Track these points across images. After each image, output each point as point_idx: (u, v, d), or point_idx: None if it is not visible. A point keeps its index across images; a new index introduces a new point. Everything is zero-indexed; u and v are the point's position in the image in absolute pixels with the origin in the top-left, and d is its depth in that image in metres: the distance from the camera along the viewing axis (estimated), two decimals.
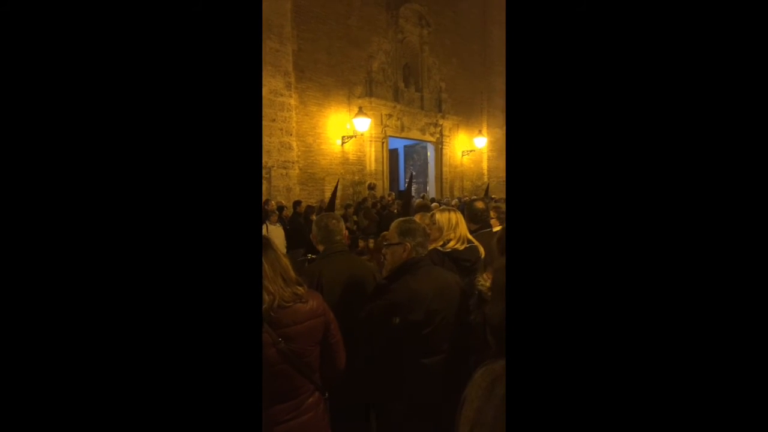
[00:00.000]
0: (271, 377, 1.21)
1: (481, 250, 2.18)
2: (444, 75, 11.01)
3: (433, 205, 7.17)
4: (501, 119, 12.15)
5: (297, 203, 6.46)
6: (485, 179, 12.42)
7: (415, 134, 10.37)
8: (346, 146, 8.77)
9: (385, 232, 2.52)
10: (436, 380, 1.47)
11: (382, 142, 9.46)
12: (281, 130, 7.42)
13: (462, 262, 2.07)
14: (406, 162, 12.02)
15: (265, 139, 7.18)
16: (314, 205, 7.21)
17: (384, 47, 9.40)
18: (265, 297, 1.21)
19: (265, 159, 7.20)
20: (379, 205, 7.55)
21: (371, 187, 8.89)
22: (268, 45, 7.12)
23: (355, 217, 7.04)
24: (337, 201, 8.47)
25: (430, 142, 10.94)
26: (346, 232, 1.94)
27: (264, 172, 7.20)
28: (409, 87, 10.07)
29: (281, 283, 1.25)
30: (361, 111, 8.46)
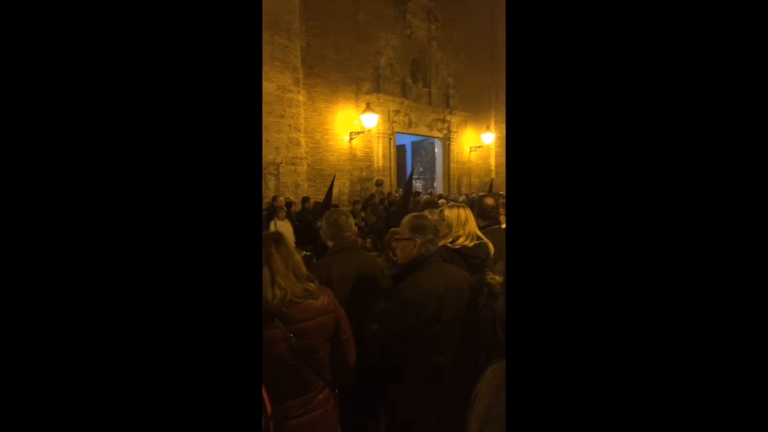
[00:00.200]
0: (282, 372, 1.22)
1: (491, 246, 2.16)
2: (452, 70, 10.94)
3: (441, 201, 7.16)
4: None
5: (305, 199, 6.48)
6: (493, 175, 12.35)
7: (423, 130, 10.33)
8: (354, 142, 8.77)
9: (394, 228, 2.52)
10: (446, 377, 1.47)
11: (390, 138, 9.44)
12: (290, 126, 7.44)
13: (471, 259, 2.06)
14: (413, 158, 11.98)
15: (274, 136, 7.20)
16: (322, 201, 7.23)
17: (391, 43, 9.36)
18: (277, 292, 1.21)
19: (273, 155, 7.22)
20: (386, 201, 7.54)
21: (379, 184, 8.88)
22: (277, 41, 7.12)
23: (362, 214, 7.04)
24: (345, 197, 8.51)
25: (437, 138, 10.89)
26: (355, 228, 1.94)
27: (272, 168, 7.23)
28: (416, 82, 10.01)
29: (293, 279, 1.25)
30: (368, 107, 8.44)
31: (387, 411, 1.71)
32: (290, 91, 7.39)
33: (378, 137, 9.20)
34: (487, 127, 11.95)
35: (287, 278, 1.24)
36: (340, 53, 8.43)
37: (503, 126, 12.31)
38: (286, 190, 7.31)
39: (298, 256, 1.31)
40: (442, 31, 10.46)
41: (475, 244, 2.11)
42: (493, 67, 12.29)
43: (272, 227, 5.44)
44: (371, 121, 8.51)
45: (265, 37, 6.95)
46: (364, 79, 8.88)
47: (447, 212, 2.22)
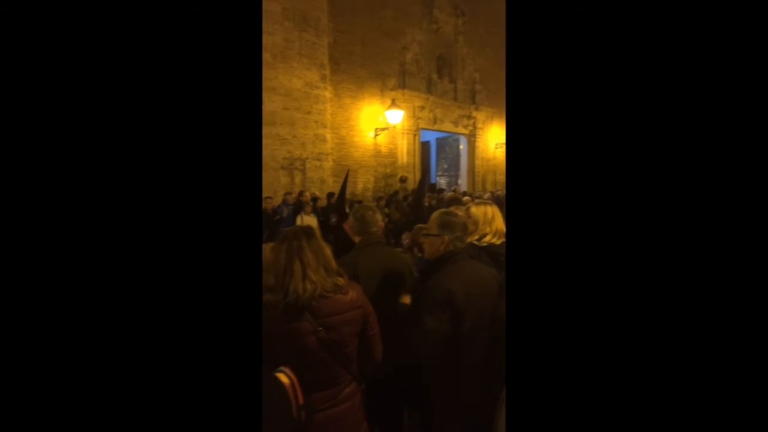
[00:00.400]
0: (311, 365, 1.23)
1: None
2: (478, 65, 10.76)
3: (465, 198, 7.10)
4: None
5: (330, 195, 6.54)
6: None
7: (448, 126, 10.22)
8: (379, 138, 8.77)
9: (420, 224, 2.51)
10: (475, 376, 1.45)
11: (414, 135, 9.39)
12: (316, 122, 7.51)
13: (499, 257, 2.03)
14: (438, 155, 11.89)
15: (300, 131, 7.29)
16: (347, 196, 7.28)
17: (418, 38, 9.29)
18: (308, 286, 1.22)
19: (300, 151, 7.32)
20: (410, 198, 7.52)
21: (403, 180, 8.87)
22: (305, 38, 7.19)
23: (386, 210, 7.05)
24: (369, 194, 8.54)
25: (462, 134, 10.76)
26: (382, 224, 1.94)
27: (299, 163, 7.33)
28: (442, 78, 9.91)
29: (323, 273, 1.26)
30: (394, 103, 8.42)
31: (414, 409, 1.71)
32: (317, 88, 7.46)
33: (403, 133, 9.17)
34: None
35: (318, 272, 1.25)
36: (367, 49, 8.43)
37: None
38: (312, 185, 7.40)
39: (328, 251, 1.32)
40: (468, 26, 10.30)
41: (502, 242, 2.08)
42: None
43: (299, 222, 5.52)
44: (396, 117, 8.49)
45: (293, 34, 7.04)
46: (389, 75, 8.85)
47: (474, 209, 2.20)
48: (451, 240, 1.60)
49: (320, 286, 1.24)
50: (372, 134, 8.66)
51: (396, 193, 7.88)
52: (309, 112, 7.39)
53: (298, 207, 6.02)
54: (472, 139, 10.87)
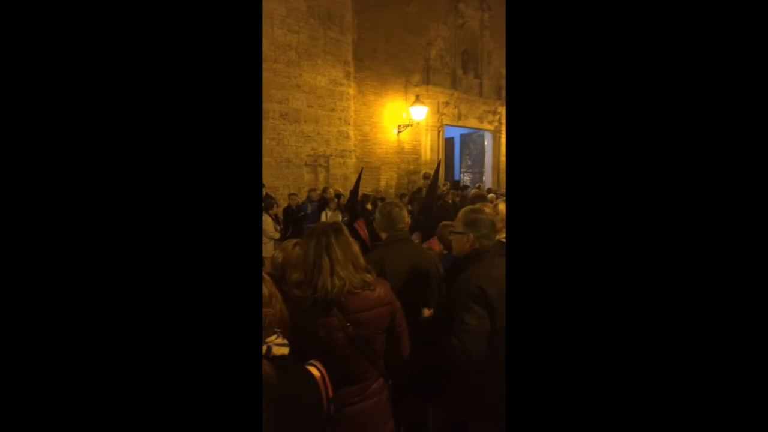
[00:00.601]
0: (339, 361, 1.24)
1: None
2: (504, 60, 10.55)
3: (490, 196, 6.99)
4: None
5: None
6: None
7: (473, 122, 10.08)
8: (402, 135, 8.74)
9: (446, 221, 2.49)
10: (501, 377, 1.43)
11: (438, 131, 9.31)
12: (340, 119, 7.55)
13: None
14: (462, 151, 11.75)
15: (324, 128, 7.35)
16: (370, 193, 7.30)
17: (443, 33, 9.18)
18: (336, 282, 1.23)
19: (323, 148, 7.38)
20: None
21: (426, 177, 8.81)
22: (329, 35, 7.23)
23: (409, 207, 7.03)
24: (392, 190, 8.53)
25: (487, 130, 10.59)
26: (408, 221, 1.93)
27: (322, 160, 7.40)
28: (467, 74, 9.77)
29: (351, 269, 1.27)
30: (418, 99, 8.36)
31: (439, 407, 1.70)
32: (341, 85, 7.50)
33: (426, 130, 9.11)
34: None
35: (346, 268, 1.25)
36: (391, 45, 8.40)
37: None
38: (335, 182, 7.46)
39: (356, 247, 1.33)
40: (495, 21, 10.11)
41: None
42: None
43: (323, 218, 5.57)
44: (420, 113, 8.43)
45: (318, 31, 7.09)
46: (413, 71, 8.80)
47: (502, 206, 2.16)
48: (476, 238, 1.58)
49: (348, 282, 1.24)
50: (395, 131, 8.63)
51: (419, 189, 7.84)
52: (333, 110, 7.44)
53: (322, 204, 6.08)
54: (497, 135, 10.68)
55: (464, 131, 11.06)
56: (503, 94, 10.41)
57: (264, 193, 5.82)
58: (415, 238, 2.77)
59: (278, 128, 6.78)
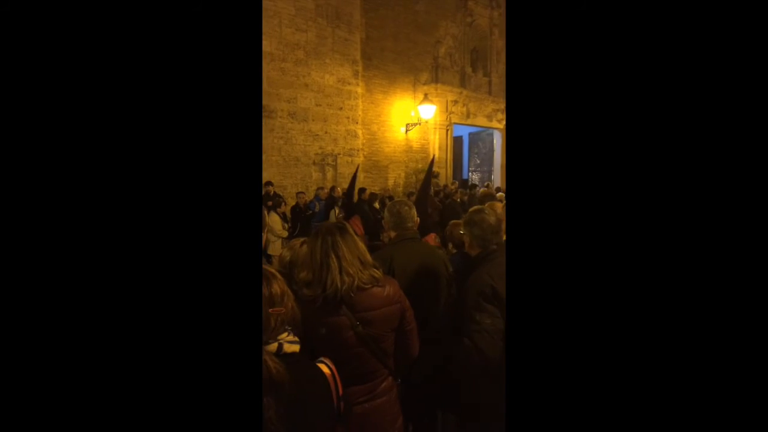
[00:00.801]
0: (349, 359, 1.24)
1: None
2: None
3: (499, 194, 6.95)
4: None
5: (362, 190, 6.57)
6: None
7: (481, 121, 10.03)
8: (410, 134, 8.73)
9: (455, 220, 2.48)
10: None
11: (447, 130, 9.28)
12: (348, 118, 7.56)
13: None
14: (470, 150, 11.70)
15: (332, 127, 7.37)
16: (378, 192, 7.30)
17: (451, 31, 9.14)
18: (345, 279, 1.23)
19: (331, 147, 7.40)
20: (442, 193, 7.45)
21: (434, 176, 8.79)
22: (338, 34, 7.24)
23: (430, 210, 7.01)
24: (400, 189, 8.53)
25: (496, 129, 10.53)
26: (417, 219, 1.92)
27: (330, 159, 7.41)
28: (476, 72, 9.72)
29: (359, 266, 1.27)
30: (426, 98, 8.34)
31: (448, 411, 1.69)
32: (349, 84, 7.50)
33: (435, 128, 9.08)
34: None
35: (353, 265, 1.25)
36: (399, 44, 8.39)
37: None
38: (343, 180, 7.47)
39: (362, 244, 1.33)
40: (504, 18, 10.04)
41: None
42: None
43: (332, 216, 5.58)
44: (428, 112, 8.41)
45: (326, 30, 7.09)
46: (422, 70, 8.77)
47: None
48: (475, 237, 1.59)
49: (357, 278, 1.24)
50: (403, 129, 8.62)
51: None
52: (341, 108, 7.44)
53: (330, 202, 6.09)
54: (506, 133, 10.62)
55: (473, 130, 11.01)
56: None
57: (272, 192, 5.85)
58: (432, 239, 2.75)
59: (286, 127, 6.81)
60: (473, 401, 1.51)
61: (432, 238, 2.68)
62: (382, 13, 8.10)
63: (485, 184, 9.71)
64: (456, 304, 1.56)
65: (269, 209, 5.23)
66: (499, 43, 10.08)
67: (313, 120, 7.11)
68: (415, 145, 8.93)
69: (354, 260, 1.27)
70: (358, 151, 7.83)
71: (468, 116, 9.63)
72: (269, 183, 6.03)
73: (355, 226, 3.51)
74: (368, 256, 1.33)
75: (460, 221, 1.93)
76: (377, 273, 1.31)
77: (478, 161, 11.46)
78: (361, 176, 7.91)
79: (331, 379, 0.99)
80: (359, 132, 7.82)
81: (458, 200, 7.03)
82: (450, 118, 9.23)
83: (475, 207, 1.75)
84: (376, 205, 6.43)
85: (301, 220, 5.69)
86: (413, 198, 6.81)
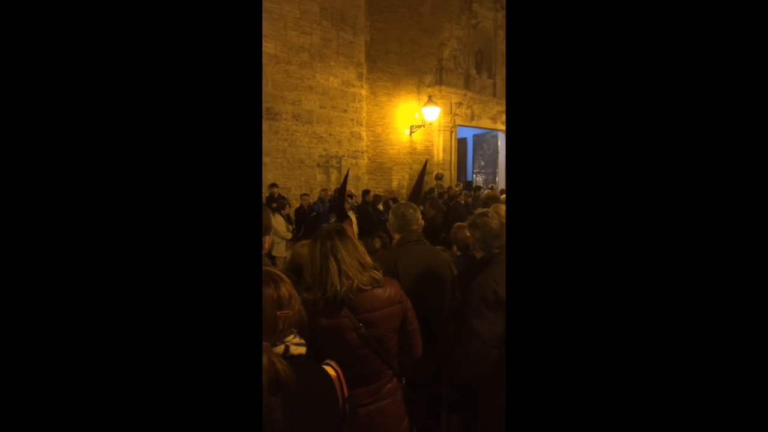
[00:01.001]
0: (353, 360, 1.25)
1: None
2: None
3: (503, 197, 6.93)
4: None
5: (366, 192, 6.59)
6: None
7: (486, 123, 10.03)
8: (414, 136, 8.74)
9: (459, 222, 2.48)
10: None
11: (451, 132, 9.28)
12: (352, 120, 7.59)
13: None
14: (474, 151, 11.69)
15: (336, 129, 7.39)
16: (382, 194, 7.31)
17: (456, 33, 9.15)
18: (345, 281, 1.24)
19: (336, 149, 7.42)
20: (446, 195, 7.44)
21: (438, 177, 8.79)
22: (342, 36, 7.27)
23: (421, 207, 7.01)
24: (404, 191, 8.53)
25: (501, 131, 10.52)
26: (422, 222, 1.93)
27: (335, 161, 7.43)
28: (481, 74, 9.73)
29: (359, 268, 1.27)
30: (430, 100, 8.35)
31: (453, 412, 1.69)
32: (354, 86, 7.53)
33: (439, 130, 9.09)
34: None
35: (353, 267, 1.26)
36: (403, 46, 8.41)
37: None
38: (348, 182, 7.49)
39: (361, 247, 1.34)
40: None
41: None
42: None
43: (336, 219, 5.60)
44: (433, 114, 8.42)
45: (331, 33, 7.13)
46: (426, 72, 8.79)
47: None
48: (477, 240, 1.60)
49: (357, 280, 1.25)
50: (407, 131, 8.63)
51: (431, 190, 7.82)
52: (345, 111, 7.47)
53: (334, 204, 6.11)
54: None
55: (477, 131, 11.00)
56: None
57: (277, 194, 5.87)
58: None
59: (291, 129, 6.84)
60: (474, 403, 1.51)
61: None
62: (387, 16, 8.12)
63: (489, 186, 9.70)
64: (459, 307, 1.56)
65: (274, 211, 5.26)
66: (503, 45, 10.07)
67: (317, 122, 7.14)
68: (419, 147, 8.93)
69: (353, 263, 1.28)
70: (362, 153, 7.85)
71: (472, 118, 9.63)
72: (274, 185, 6.05)
73: (348, 229, 3.50)
74: (368, 258, 1.33)
75: (465, 224, 1.94)
76: (377, 274, 1.32)
77: (482, 163, 11.45)
78: (365, 178, 7.93)
79: (336, 381, 1.00)
80: (363, 134, 7.84)
81: (462, 202, 7.03)
82: (454, 120, 9.23)
83: (481, 210, 1.76)
84: (380, 207, 6.44)
85: (305, 221, 5.71)
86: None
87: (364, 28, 7.63)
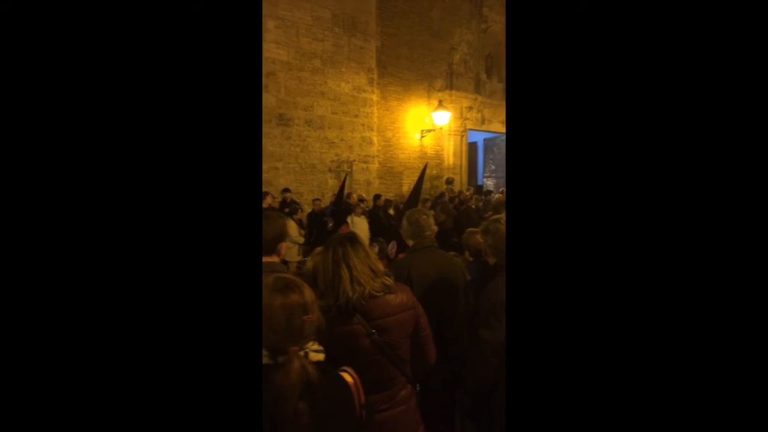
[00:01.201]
0: (367, 366, 1.26)
1: None
2: None
3: None
4: None
5: (377, 197, 6.61)
6: None
7: (496, 127, 9.99)
8: (425, 140, 8.74)
9: (471, 228, 2.48)
10: None
11: (462, 136, 9.26)
12: (363, 125, 7.63)
13: None
14: (485, 156, 11.64)
15: (348, 134, 7.44)
16: (392, 198, 7.32)
17: (466, 38, 9.16)
18: (357, 288, 1.25)
19: (347, 154, 7.47)
20: (456, 200, 7.43)
21: (449, 182, 8.77)
22: (353, 42, 7.33)
23: (432, 212, 7.00)
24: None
25: None
26: (435, 228, 1.94)
27: (346, 166, 7.48)
28: (491, 78, 9.70)
29: (371, 275, 1.29)
30: (441, 104, 8.35)
31: (467, 418, 1.69)
32: (365, 91, 7.58)
33: (449, 135, 9.08)
34: None
35: (364, 274, 1.28)
36: (414, 51, 8.44)
37: None
38: (358, 187, 7.52)
39: (373, 254, 1.35)
40: None
41: None
42: None
43: (350, 222, 5.63)
44: (443, 118, 8.42)
45: (343, 39, 7.20)
46: (437, 77, 8.80)
47: None
48: (489, 246, 1.60)
49: (369, 287, 1.27)
50: (418, 136, 8.64)
51: (442, 194, 7.81)
52: (356, 116, 7.52)
53: (348, 209, 6.14)
54: None
55: (488, 135, 10.96)
56: None
57: (289, 199, 5.93)
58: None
59: (303, 134, 6.91)
60: (488, 410, 1.51)
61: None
62: (397, 22, 8.17)
63: (500, 190, 9.64)
64: (472, 314, 1.57)
65: (286, 216, 5.31)
66: None
67: (329, 127, 7.20)
68: (430, 151, 8.94)
69: (365, 269, 1.29)
70: (373, 157, 7.88)
71: (483, 122, 9.60)
72: (287, 190, 6.11)
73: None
74: (379, 265, 1.35)
75: (478, 229, 1.94)
76: (389, 281, 1.33)
77: (493, 167, 11.39)
78: (376, 182, 7.95)
79: (353, 388, 1.01)
80: (374, 139, 7.87)
81: (473, 206, 7.00)
82: (465, 124, 9.22)
83: (494, 216, 1.77)
84: (391, 211, 6.45)
85: (318, 226, 5.75)
86: (427, 204, 6.82)
87: (375, 34, 7.69)
